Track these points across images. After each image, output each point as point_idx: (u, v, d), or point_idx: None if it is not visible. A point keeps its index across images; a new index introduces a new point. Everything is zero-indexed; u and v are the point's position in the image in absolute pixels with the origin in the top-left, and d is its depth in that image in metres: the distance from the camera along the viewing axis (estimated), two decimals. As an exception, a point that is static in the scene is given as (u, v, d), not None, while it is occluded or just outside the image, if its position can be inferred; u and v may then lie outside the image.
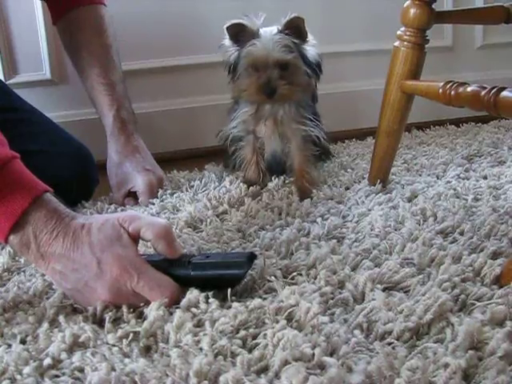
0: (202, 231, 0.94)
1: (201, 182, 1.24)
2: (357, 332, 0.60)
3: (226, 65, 1.13)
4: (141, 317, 0.66)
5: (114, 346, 0.61)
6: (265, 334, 0.60)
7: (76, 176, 1.15)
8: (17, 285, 0.77)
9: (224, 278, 0.70)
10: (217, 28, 1.63)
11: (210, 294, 0.68)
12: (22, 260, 0.87)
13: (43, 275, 0.80)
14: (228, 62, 1.12)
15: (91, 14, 1.21)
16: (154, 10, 1.58)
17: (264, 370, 0.56)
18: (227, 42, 1.11)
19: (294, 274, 0.75)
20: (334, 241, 0.86)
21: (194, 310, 0.66)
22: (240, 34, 1.09)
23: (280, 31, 1.08)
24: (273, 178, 1.18)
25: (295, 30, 1.07)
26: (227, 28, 1.09)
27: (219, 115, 1.63)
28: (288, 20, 1.07)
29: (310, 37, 1.10)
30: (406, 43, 1.02)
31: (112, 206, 1.12)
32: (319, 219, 0.95)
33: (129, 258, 0.68)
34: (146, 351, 0.60)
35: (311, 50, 1.10)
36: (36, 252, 0.68)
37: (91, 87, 1.19)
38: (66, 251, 0.68)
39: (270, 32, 1.08)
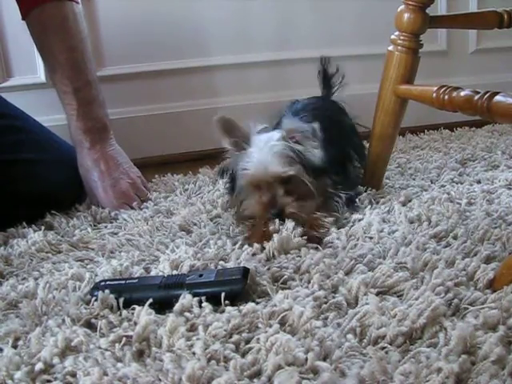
0: (195, 235, 0.94)
1: (195, 185, 1.24)
2: (350, 336, 0.60)
3: (222, 171, 1.01)
4: (133, 320, 0.66)
5: (106, 350, 0.60)
6: (258, 339, 0.60)
7: (69, 181, 1.15)
8: (10, 288, 0.77)
9: (221, 295, 0.69)
10: (207, 33, 1.64)
11: (203, 298, 0.68)
12: (15, 263, 0.87)
13: (36, 279, 0.80)
14: (224, 168, 0.99)
15: (55, 13, 1.13)
16: (141, 16, 1.58)
17: (257, 374, 0.55)
18: (226, 143, 0.96)
19: (287, 278, 0.75)
20: (328, 245, 0.86)
21: (187, 314, 0.66)
22: (233, 132, 0.94)
23: (282, 137, 0.93)
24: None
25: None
26: (216, 120, 0.93)
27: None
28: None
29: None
30: (400, 48, 1.02)
31: (106, 210, 1.12)
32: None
33: None
34: (139, 356, 0.60)
35: (317, 152, 0.94)
36: None
37: (57, 92, 1.16)
38: None
39: (266, 140, 0.93)
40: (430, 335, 0.60)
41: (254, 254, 0.83)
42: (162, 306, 0.68)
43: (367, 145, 1.16)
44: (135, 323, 0.64)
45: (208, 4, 1.63)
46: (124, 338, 0.62)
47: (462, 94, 0.83)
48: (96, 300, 0.70)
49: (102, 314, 0.68)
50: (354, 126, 1.21)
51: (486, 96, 0.76)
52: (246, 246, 0.86)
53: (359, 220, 0.95)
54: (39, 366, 0.57)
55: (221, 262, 0.82)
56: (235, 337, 0.61)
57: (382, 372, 0.53)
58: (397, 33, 1.02)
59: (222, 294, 0.69)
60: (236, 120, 0.95)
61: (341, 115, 1.18)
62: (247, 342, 0.61)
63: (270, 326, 0.62)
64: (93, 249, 0.93)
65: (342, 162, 1.07)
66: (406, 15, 0.99)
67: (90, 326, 0.67)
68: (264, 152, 0.92)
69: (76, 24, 1.14)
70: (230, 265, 0.81)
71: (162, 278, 0.74)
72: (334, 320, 0.64)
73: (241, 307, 0.66)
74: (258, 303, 0.68)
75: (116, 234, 0.99)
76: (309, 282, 0.73)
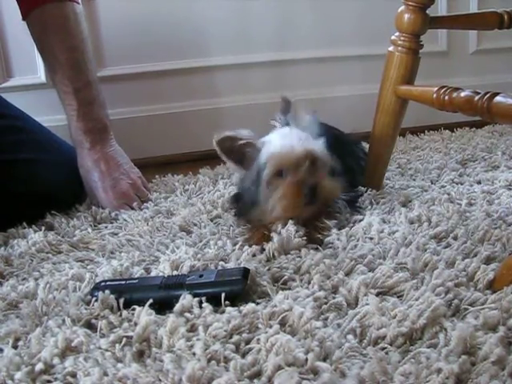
0: (196, 235, 0.94)
1: (195, 185, 1.24)
2: (350, 337, 0.60)
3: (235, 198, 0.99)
4: (133, 321, 0.66)
5: (106, 350, 0.60)
6: (258, 339, 0.60)
7: (69, 181, 1.15)
8: (10, 288, 0.77)
9: (222, 295, 0.69)
10: (207, 33, 1.65)
11: (204, 298, 0.68)
12: (15, 264, 0.87)
13: (36, 279, 0.80)
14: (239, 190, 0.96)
15: (56, 13, 1.13)
16: (142, 16, 1.58)
17: (257, 375, 0.55)
18: (231, 164, 0.93)
19: (288, 278, 0.75)
20: (328, 246, 0.86)
21: (187, 314, 0.66)
22: (236, 151, 0.90)
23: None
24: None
25: None
26: (217, 142, 0.89)
27: (215, 119, 1.65)
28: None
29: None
30: (400, 48, 1.02)
31: (106, 210, 1.12)
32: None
33: None
34: (139, 356, 0.60)
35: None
36: None
37: (58, 92, 1.16)
38: None
39: (288, 130, 0.92)
40: (430, 336, 0.60)
41: (254, 255, 0.83)
42: (163, 307, 0.68)
43: (367, 146, 1.17)
44: (135, 324, 0.65)
45: (208, 4, 1.63)
46: (124, 339, 0.62)
47: (463, 94, 0.83)
48: (96, 300, 0.70)
49: (102, 314, 0.68)
50: (356, 141, 1.22)
51: (486, 97, 0.76)
52: (246, 247, 0.86)
53: (359, 220, 0.94)
54: (39, 366, 0.57)
55: (221, 263, 0.82)
56: (235, 337, 0.61)
57: (382, 372, 0.53)
58: (397, 33, 1.02)
59: (223, 295, 0.69)
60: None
61: (341, 132, 1.19)
62: (247, 342, 0.61)
63: (270, 327, 0.62)
64: (93, 249, 0.93)
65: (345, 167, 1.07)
66: (406, 16, 1.00)
67: (90, 326, 0.67)
68: (288, 138, 0.90)
69: (77, 24, 1.14)
70: (231, 265, 0.81)
71: (163, 278, 0.74)
72: (334, 320, 0.64)
73: (241, 308, 0.66)
74: (258, 304, 0.68)
75: (116, 234, 0.99)
76: (309, 283, 0.73)
